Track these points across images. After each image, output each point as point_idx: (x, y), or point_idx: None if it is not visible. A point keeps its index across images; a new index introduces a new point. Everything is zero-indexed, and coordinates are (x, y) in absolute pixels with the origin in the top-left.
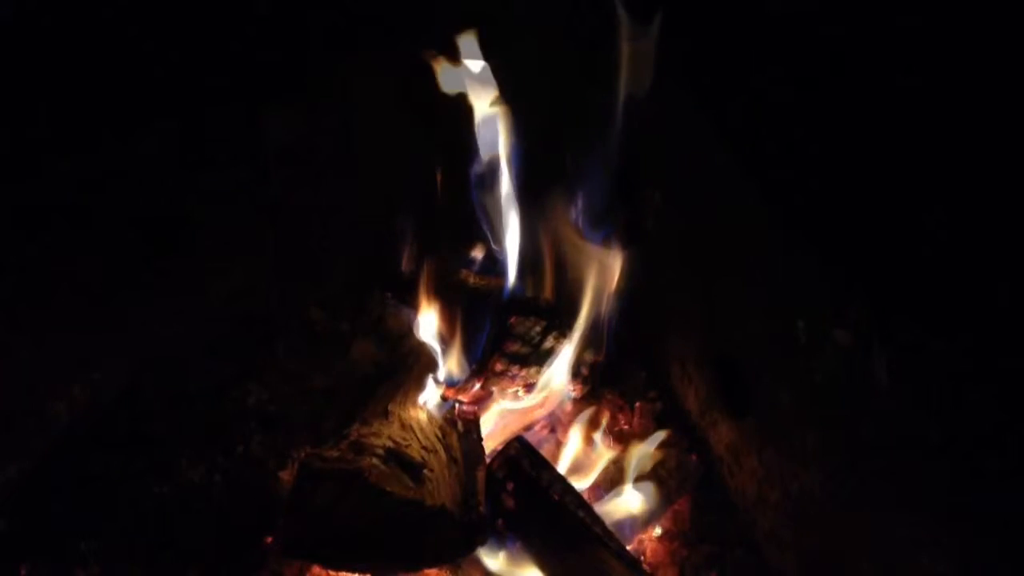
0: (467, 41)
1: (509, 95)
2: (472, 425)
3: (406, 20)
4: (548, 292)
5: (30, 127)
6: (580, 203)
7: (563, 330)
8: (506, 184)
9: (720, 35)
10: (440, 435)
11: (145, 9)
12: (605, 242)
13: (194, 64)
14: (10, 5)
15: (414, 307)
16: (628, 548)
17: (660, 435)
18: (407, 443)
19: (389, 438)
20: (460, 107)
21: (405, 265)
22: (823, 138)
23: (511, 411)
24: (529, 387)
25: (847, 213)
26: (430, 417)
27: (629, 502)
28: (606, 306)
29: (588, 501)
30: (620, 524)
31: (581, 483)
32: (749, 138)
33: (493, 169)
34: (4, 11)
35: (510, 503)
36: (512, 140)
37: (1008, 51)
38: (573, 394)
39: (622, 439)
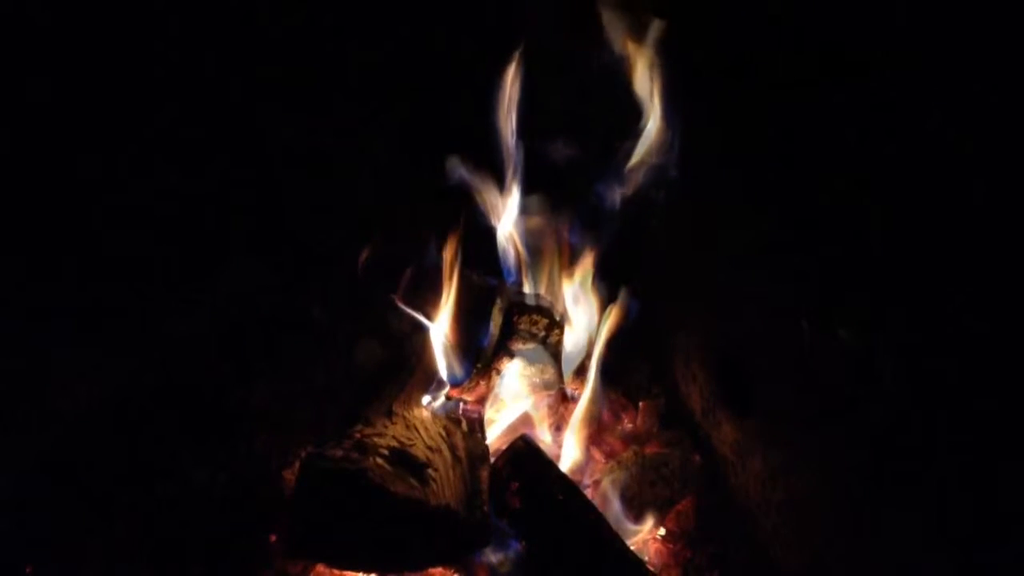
0: None
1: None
2: (476, 424)
3: None
4: (547, 292)
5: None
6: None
7: (564, 329)
8: (509, 184)
9: (722, 37)
10: (444, 434)
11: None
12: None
13: (199, 64)
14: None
15: (417, 307)
16: (632, 548)
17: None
18: (411, 442)
19: (393, 437)
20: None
21: (409, 265)
22: (824, 138)
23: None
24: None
25: (851, 213)
26: (434, 416)
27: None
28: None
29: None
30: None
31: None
32: (751, 139)
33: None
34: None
35: (515, 502)
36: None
37: (1009, 53)
38: (576, 393)
39: (626, 438)
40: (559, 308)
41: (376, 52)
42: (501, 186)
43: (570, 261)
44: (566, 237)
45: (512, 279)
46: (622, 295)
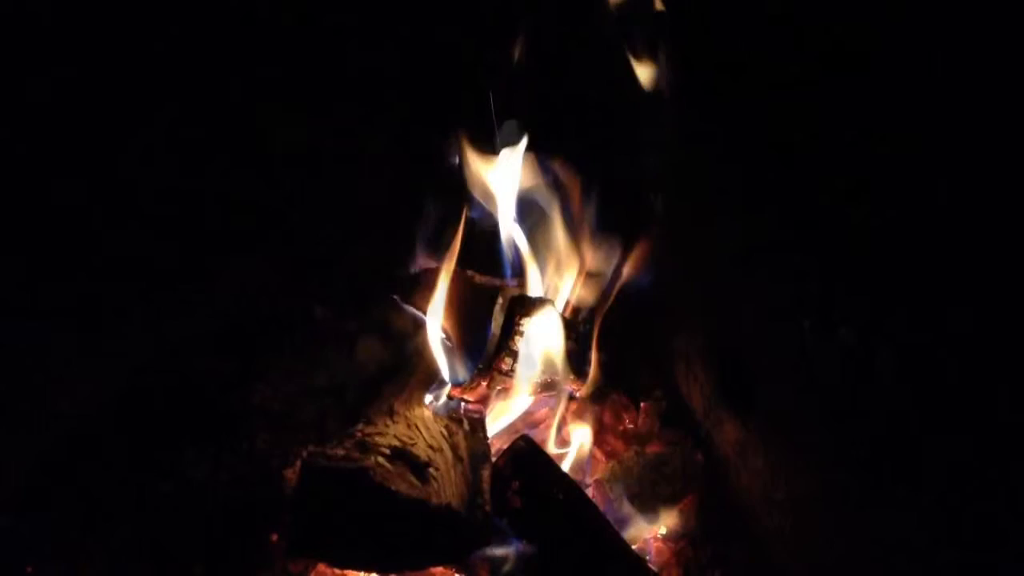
0: None
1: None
2: (478, 423)
3: None
4: (551, 292)
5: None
6: (582, 203)
7: (567, 329)
8: (511, 184)
9: (722, 35)
10: (446, 434)
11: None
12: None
13: (200, 67)
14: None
15: (419, 306)
16: (633, 547)
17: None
18: (413, 442)
19: (395, 437)
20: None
21: (411, 264)
22: (824, 138)
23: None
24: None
25: (851, 213)
26: (436, 416)
27: None
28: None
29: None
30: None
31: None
32: (750, 138)
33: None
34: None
35: (516, 502)
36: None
37: (1010, 54)
38: (577, 393)
39: (627, 438)
40: (560, 302)
41: (376, 52)
42: (500, 179)
43: (570, 249)
44: (566, 226)
45: (513, 277)
46: (617, 261)
